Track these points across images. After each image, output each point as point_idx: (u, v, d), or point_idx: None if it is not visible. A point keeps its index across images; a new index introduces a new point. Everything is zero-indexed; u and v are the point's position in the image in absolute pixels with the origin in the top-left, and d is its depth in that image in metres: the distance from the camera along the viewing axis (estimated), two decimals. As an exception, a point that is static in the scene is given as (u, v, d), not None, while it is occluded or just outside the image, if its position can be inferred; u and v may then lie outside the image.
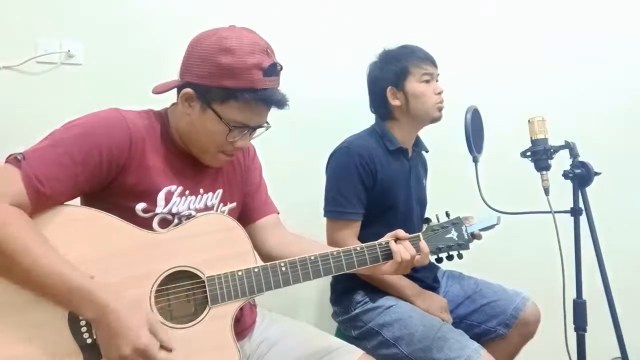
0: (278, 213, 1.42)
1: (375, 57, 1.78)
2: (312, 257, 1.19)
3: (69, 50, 1.84)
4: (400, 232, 1.27)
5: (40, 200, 1.02)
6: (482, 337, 1.66)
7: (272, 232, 1.36)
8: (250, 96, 1.12)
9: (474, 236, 1.47)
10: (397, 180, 1.70)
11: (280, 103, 1.16)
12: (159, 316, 1.07)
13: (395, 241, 1.25)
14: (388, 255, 1.24)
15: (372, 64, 1.79)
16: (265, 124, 1.21)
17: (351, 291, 1.68)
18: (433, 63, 1.73)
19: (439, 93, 1.71)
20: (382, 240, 1.26)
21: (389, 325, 1.59)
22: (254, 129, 1.19)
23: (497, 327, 1.70)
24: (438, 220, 1.33)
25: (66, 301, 0.99)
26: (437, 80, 1.74)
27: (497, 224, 1.48)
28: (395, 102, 1.70)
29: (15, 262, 0.96)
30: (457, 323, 1.69)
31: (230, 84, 1.11)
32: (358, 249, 1.23)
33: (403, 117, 1.72)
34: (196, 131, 1.19)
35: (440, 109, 1.71)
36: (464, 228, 1.33)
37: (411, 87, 1.69)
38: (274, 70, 1.15)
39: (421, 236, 1.29)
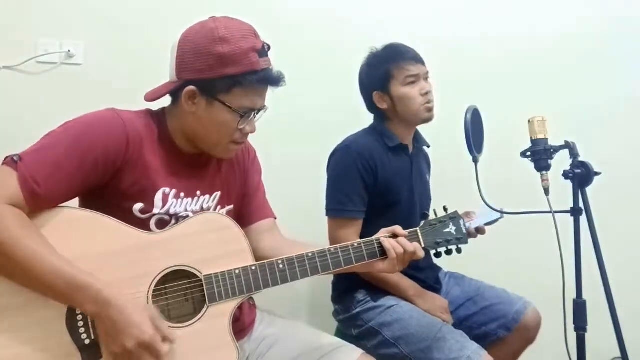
0: (275, 218, 1.41)
1: (363, 58, 1.75)
2: (310, 254, 1.19)
3: (69, 50, 1.85)
4: (397, 228, 1.26)
5: (37, 201, 1.01)
6: (483, 340, 1.64)
7: (266, 236, 1.34)
8: (253, 79, 1.14)
9: (478, 231, 1.47)
10: (399, 177, 1.69)
11: (278, 80, 1.18)
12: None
13: (395, 238, 1.24)
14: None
15: (361, 66, 1.76)
16: (265, 106, 1.22)
17: (353, 290, 1.68)
18: (419, 61, 1.66)
19: (426, 93, 1.66)
20: (379, 235, 1.25)
21: (390, 325, 1.59)
22: (258, 111, 1.20)
23: (497, 330, 1.69)
24: (436, 215, 1.32)
25: (66, 297, 0.99)
26: (426, 79, 1.69)
27: (501, 218, 1.48)
28: (383, 106, 1.69)
29: (16, 262, 0.96)
30: (458, 325, 1.68)
31: (232, 71, 1.12)
32: (355, 244, 1.22)
33: (395, 118, 1.71)
34: (205, 127, 1.18)
35: (429, 110, 1.67)
36: (461, 222, 1.32)
37: (396, 90, 1.66)
38: (265, 50, 1.17)
39: (419, 231, 1.28)
